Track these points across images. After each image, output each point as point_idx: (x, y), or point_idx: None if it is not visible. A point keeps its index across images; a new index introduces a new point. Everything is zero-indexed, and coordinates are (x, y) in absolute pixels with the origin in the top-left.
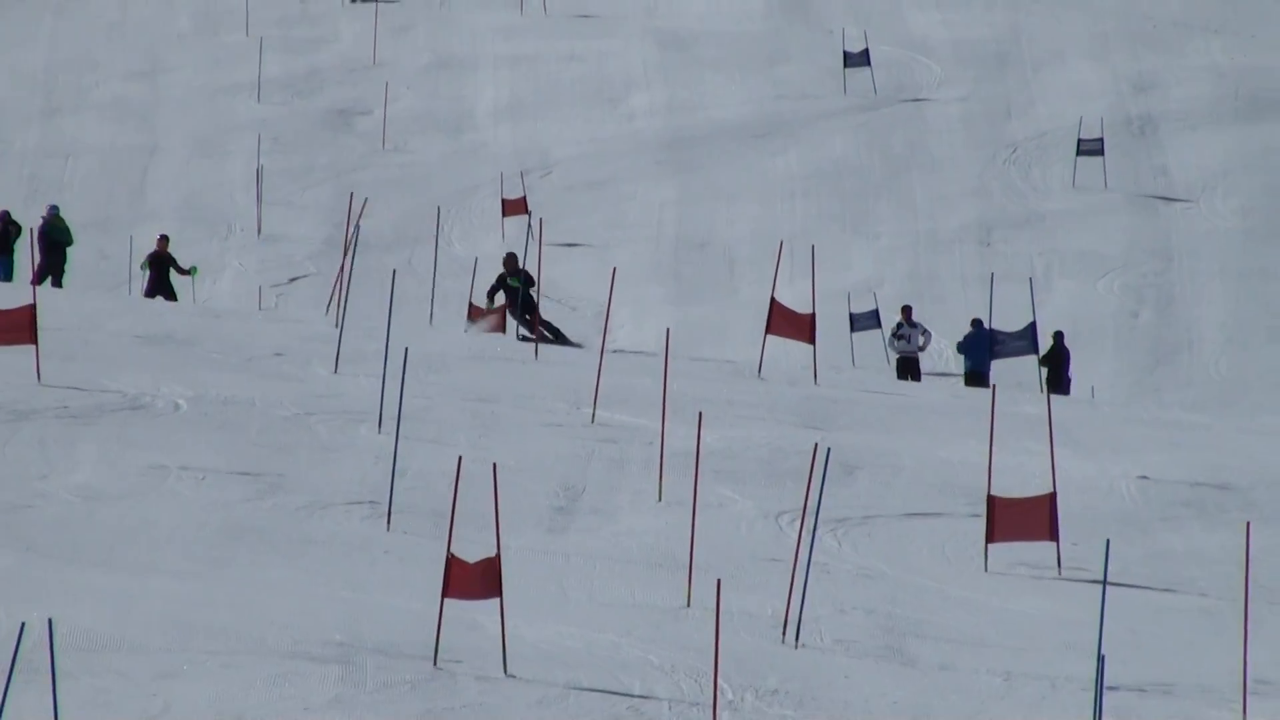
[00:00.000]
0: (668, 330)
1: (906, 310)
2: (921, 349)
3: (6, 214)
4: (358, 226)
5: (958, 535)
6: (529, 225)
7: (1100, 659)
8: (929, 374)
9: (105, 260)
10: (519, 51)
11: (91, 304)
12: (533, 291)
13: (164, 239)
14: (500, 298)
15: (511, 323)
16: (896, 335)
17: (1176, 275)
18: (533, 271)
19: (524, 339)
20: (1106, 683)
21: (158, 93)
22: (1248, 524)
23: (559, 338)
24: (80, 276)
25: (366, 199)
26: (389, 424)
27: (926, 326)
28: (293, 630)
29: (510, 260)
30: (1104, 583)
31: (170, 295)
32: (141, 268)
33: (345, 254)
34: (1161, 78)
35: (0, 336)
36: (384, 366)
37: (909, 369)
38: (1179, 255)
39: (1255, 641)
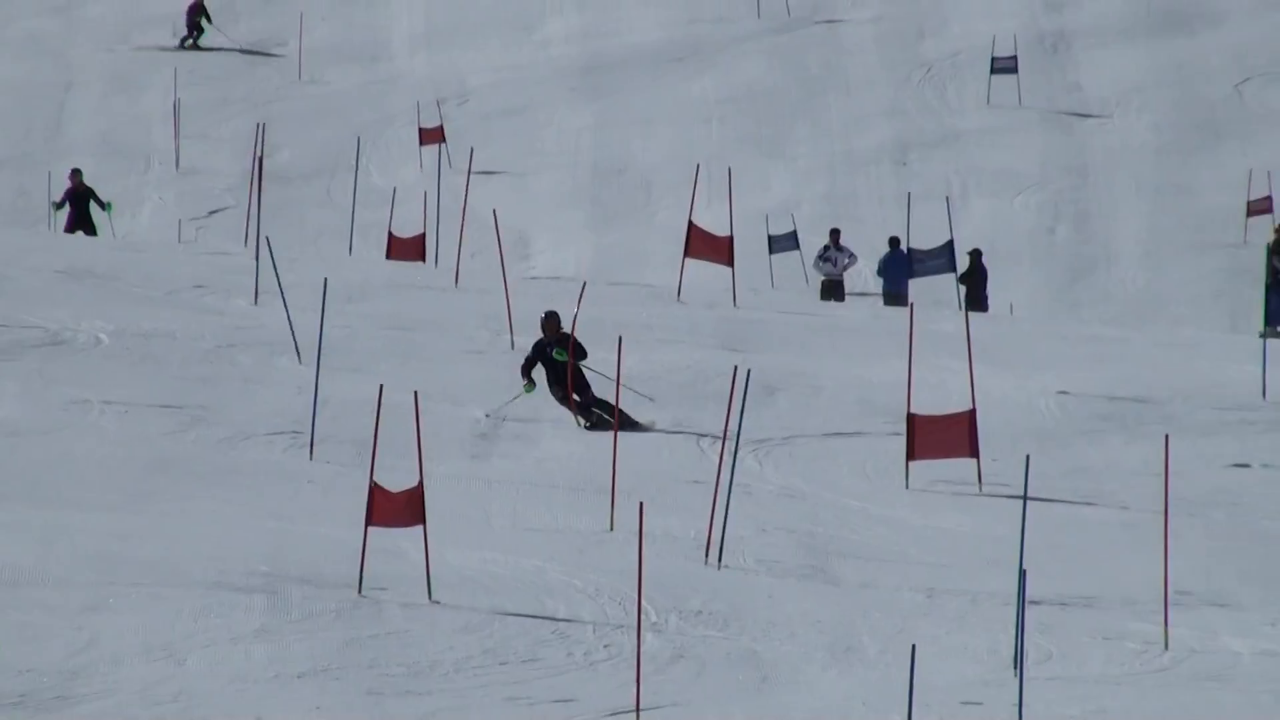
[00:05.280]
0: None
1: (835, 233)
2: (846, 268)
3: None
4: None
5: (878, 454)
6: (445, 154)
7: (1022, 573)
8: (849, 294)
9: (23, 196)
10: None
11: (10, 239)
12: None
13: (77, 173)
14: (540, 375)
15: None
16: (823, 258)
17: (1092, 191)
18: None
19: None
20: (1029, 597)
21: (72, 27)
22: (1166, 437)
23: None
24: None
25: (261, 124)
26: (309, 354)
27: (853, 250)
28: (218, 561)
29: (551, 321)
30: (1025, 498)
31: (91, 230)
32: (55, 207)
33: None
34: None
35: None
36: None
37: (833, 291)
38: (1094, 171)
39: (1176, 553)
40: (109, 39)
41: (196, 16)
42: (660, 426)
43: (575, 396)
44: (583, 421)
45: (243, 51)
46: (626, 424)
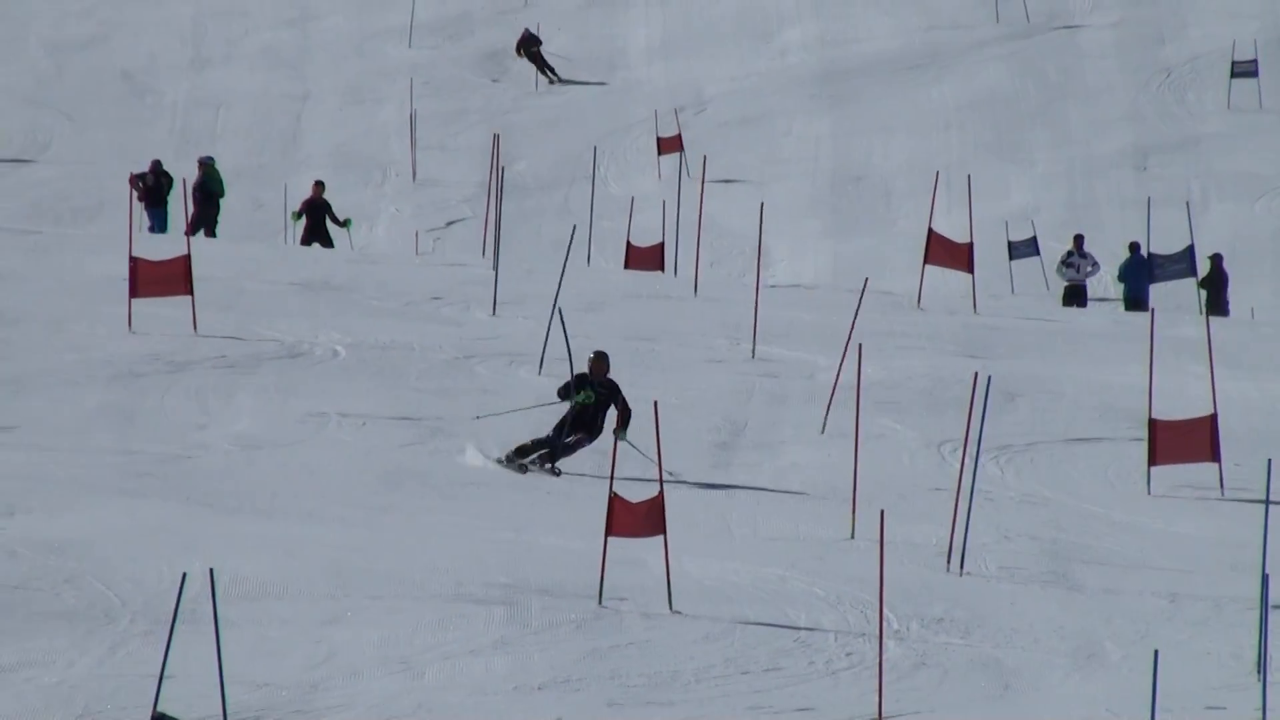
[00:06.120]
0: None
1: (1078, 239)
2: (1089, 275)
3: (158, 165)
4: (501, 169)
5: (1120, 459)
6: (683, 163)
7: (1265, 578)
8: (1090, 299)
9: (260, 209)
10: None
11: (247, 253)
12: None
13: (319, 185)
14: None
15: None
16: (1065, 263)
17: None
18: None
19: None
20: (1272, 602)
21: (308, 40)
22: None
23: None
24: (234, 226)
25: (497, 135)
26: (549, 365)
27: (1096, 259)
28: (456, 573)
29: (601, 363)
30: (1267, 502)
31: (326, 243)
32: (294, 217)
33: (494, 197)
34: None
35: (156, 288)
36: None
37: (1076, 296)
38: None
39: None
40: (345, 51)
41: (530, 49)
42: (902, 434)
43: (580, 434)
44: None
45: (476, 76)
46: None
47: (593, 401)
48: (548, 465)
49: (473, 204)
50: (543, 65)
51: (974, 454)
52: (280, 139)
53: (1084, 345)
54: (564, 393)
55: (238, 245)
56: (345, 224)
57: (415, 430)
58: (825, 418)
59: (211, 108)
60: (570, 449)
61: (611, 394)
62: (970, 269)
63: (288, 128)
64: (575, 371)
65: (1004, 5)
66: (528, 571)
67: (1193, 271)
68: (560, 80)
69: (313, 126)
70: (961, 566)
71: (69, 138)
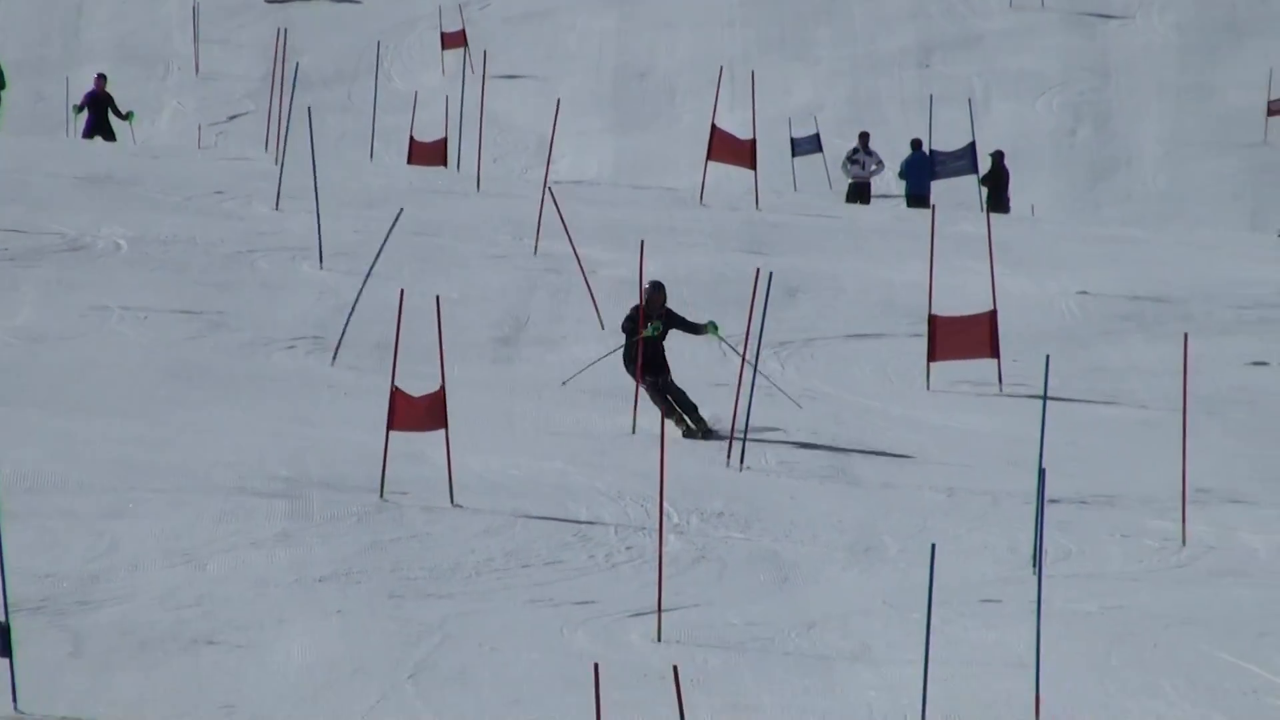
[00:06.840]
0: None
1: (864, 136)
2: (874, 174)
3: None
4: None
5: (900, 355)
6: (467, 58)
7: (1041, 472)
8: (873, 196)
9: (41, 102)
10: None
11: (28, 146)
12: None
13: (101, 78)
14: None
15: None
16: (851, 160)
17: (1114, 92)
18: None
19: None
20: (1048, 496)
21: None
22: (1185, 335)
23: (693, 420)
24: (16, 119)
25: (282, 29)
26: (330, 259)
27: (881, 158)
28: (239, 467)
29: (659, 294)
30: (1044, 397)
31: (109, 136)
32: (75, 110)
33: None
34: None
35: None
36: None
37: (860, 193)
38: (1116, 72)
39: (1194, 451)
40: None
41: None
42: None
43: (647, 377)
44: (682, 428)
45: None
46: (702, 427)
47: (660, 334)
48: (701, 433)
49: (255, 98)
50: None
51: (755, 350)
52: (61, 31)
53: (866, 242)
54: (628, 327)
55: (19, 138)
56: (128, 117)
57: (197, 324)
58: (601, 314)
59: None
60: (679, 396)
61: (669, 321)
62: (753, 165)
63: (69, 20)
64: (632, 306)
65: None
66: (309, 465)
67: (974, 168)
68: None
69: (94, 19)
70: (742, 462)
71: None
